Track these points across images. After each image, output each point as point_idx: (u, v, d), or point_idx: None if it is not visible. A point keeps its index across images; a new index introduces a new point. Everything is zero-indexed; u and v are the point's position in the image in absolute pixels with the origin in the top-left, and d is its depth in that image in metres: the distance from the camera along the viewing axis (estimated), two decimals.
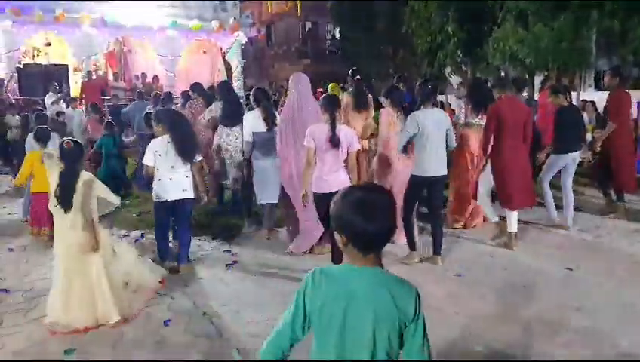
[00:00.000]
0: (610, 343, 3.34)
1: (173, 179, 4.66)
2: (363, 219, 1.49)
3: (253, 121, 5.66)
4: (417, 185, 4.80)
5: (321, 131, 4.21)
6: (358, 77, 6.02)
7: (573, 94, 8.81)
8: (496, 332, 3.54)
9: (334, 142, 4.16)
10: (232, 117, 6.12)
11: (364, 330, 1.53)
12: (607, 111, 6.00)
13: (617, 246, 5.20)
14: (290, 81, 5.25)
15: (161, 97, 9.00)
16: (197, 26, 17.21)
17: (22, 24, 14.75)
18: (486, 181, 5.27)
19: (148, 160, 4.66)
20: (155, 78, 15.34)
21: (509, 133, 5.02)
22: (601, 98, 10.59)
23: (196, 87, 7.69)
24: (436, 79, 15.12)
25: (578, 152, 5.62)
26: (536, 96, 13.89)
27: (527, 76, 14.31)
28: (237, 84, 17.20)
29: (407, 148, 4.82)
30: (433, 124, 4.67)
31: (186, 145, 4.67)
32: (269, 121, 5.60)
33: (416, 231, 5.03)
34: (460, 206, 5.86)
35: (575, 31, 12.03)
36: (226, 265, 4.95)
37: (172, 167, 4.62)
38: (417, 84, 5.16)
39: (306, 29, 28.47)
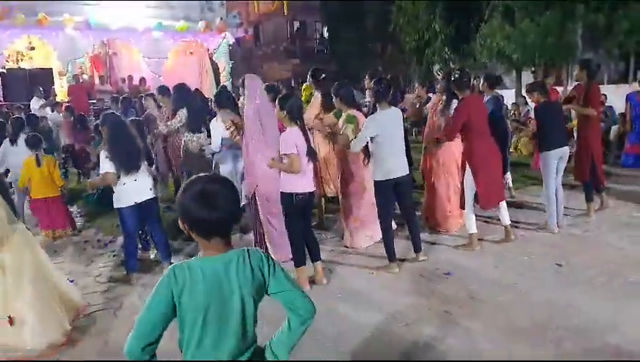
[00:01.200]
0: (601, 339, 3.31)
1: (138, 181, 4.60)
2: (200, 207, 1.62)
3: (221, 126, 5.41)
4: (384, 189, 4.63)
5: (300, 139, 4.13)
6: (323, 76, 5.91)
7: (560, 89, 8.77)
8: (485, 330, 3.50)
9: (312, 154, 4.21)
10: (195, 122, 6.02)
11: (233, 311, 1.67)
12: (585, 102, 5.87)
13: (606, 241, 5.18)
14: (249, 85, 4.84)
15: (120, 101, 8.97)
16: (183, 27, 17.08)
17: (4, 28, 14.56)
18: (469, 185, 5.04)
19: (107, 167, 4.51)
20: (142, 80, 15.19)
21: (479, 132, 4.97)
22: None
23: (163, 90, 7.40)
24: (425, 76, 15.11)
25: (566, 148, 5.49)
26: (523, 92, 13.99)
27: (514, 72, 14.38)
28: (226, 85, 17.11)
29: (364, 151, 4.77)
30: (391, 124, 4.58)
31: (128, 157, 4.54)
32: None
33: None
34: (437, 209, 5.75)
35: (561, 26, 12.08)
36: None
37: None
38: (373, 82, 4.93)
39: (294, 29, 28.36)
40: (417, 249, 4.84)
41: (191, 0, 17.85)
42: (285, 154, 4.12)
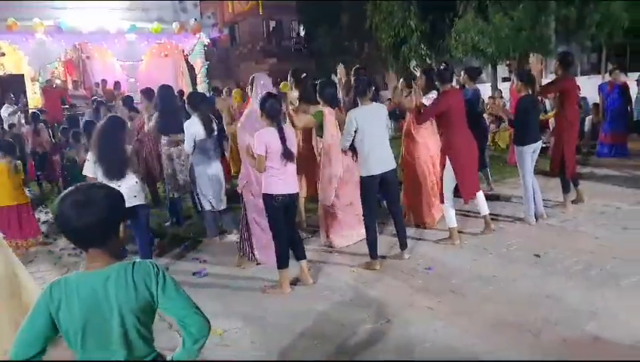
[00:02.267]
0: (579, 329, 3.35)
1: (122, 188, 4.41)
2: (68, 215, 1.59)
3: (193, 128, 5.39)
4: (368, 185, 4.62)
5: (274, 139, 4.09)
6: (304, 75, 5.90)
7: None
8: (468, 323, 3.51)
9: (287, 155, 4.11)
10: (168, 125, 5.97)
11: (113, 329, 1.60)
12: (558, 99, 5.91)
13: (583, 230, 5.25)
14: (258, 83, 4.80)
15: (94, 106, 8.85)
16: (157, 28, 16.83)
17: None
18: (449, 179, 5.08)
19: (88, 170, 4.46)
20: (117, 83, 14.96)
21: (457, 125, 5.02)
22: None
23: (146, 93, 7.24)
24: (403, 73, 15.16)
25: (539, 142, 5.53)
26: (499, 86, 14.15)
27: (489, 66, 14.51)
28: (202, 86, 16.96)
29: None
30: (372, 120, 4.56)
31: (111, 165, 4.47)
32: (208, 126, 5.47)
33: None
34: (416, 204, 5.76)
35: (534, 19, 12.23)
36: (194, 273, 4.82)
37: None
38: (354, 79, 4.96)
39: (270, 28, 28.28)
40: (403, 246, 4.83)
41: (164, 0, 17.63)
42: (256, 154, 4.11)
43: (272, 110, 4.12)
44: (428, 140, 5.62)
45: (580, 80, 10.82)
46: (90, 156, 4.53)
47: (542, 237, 5.14)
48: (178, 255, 5.47)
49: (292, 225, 4.39)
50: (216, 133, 5.64)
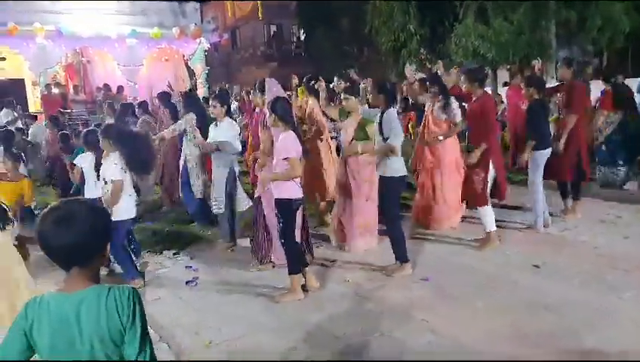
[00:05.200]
0: (577, 341, 3.29)
1: (133, 195, 4.59)
2: (48, 233, 1.52)
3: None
4: (400, 186, 4.69)
5: (296, 142, 4.09)
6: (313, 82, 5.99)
7: None
8: (464, 334, 3.45)
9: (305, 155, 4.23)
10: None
11: (81, 355, 1.53)
12: (568, 104, 5.73)
13: (582, 240, 5.18)
14: (270, 88, 4.64)
15: (108, 107, 8.91)
16: (157, 33, 16.85)
17: None
18: (487, 182, 5.11)
19: (119, 174, 4.46)
20: (120, 88, 14.92)
21: (495, 130, 5.32)
22: None
23: (163, 96, 7.45)
24: (401, 76, 15.14)
25: (550, 148, 5.44)
26: (499, 90, 14.08)
27: (489, 71, 14.47)
28: (202, 90, 16.94)
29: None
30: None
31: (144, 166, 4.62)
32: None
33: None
34: (429, 208, 5.71)
35: (534, 24, 12.20)
36: (186, 282, 4.76)
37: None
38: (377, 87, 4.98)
39: (271, 32, 28.29)
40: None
41: (165, 2, 17.66)
42: (286, 159, 4.00)
43: (287, 113, 4.09)
44: (445, 142, 5.60)
45: None
46: (113, 159, 4.49)
47: (541, 246, 5.07)
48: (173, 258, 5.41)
49: (307, 229, 4.39)
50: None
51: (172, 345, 3.59)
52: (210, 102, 5.81)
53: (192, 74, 17.35)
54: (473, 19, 12.80)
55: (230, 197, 5.47)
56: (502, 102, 11.77)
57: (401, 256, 4.59)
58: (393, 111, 4.61)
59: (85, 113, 14.38)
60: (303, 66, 21.47)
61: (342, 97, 5.34)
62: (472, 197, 5.16)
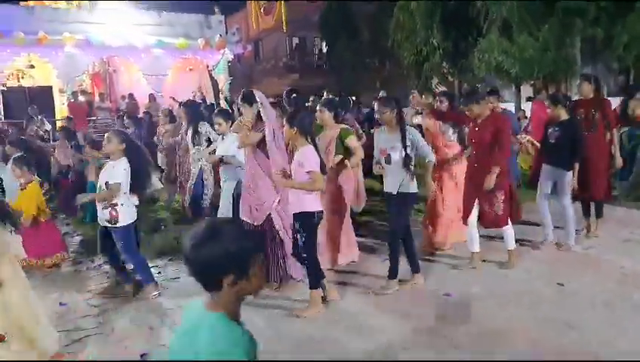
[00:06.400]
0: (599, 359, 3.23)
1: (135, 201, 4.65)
2: (189, 252, 1.47)
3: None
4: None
5: (317, 155, 4.06)
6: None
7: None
8: (488, 353, 3.41)
9: (324, 170, 4.12)
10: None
11: None
12: (603, 118, 5.54)
13: (607, 259, 5.09)
14: (259, 99, 4.57)
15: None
16: (183, 44, 17.18)
17: (4, 47, 14.64)
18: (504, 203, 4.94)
19: (124, 180, 4.47)
20: (151, 96, 15.19)
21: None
22: None
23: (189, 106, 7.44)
24: (423, 90, 15.11)
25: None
26: (523, 105, 13.98)
27: (513, 86, 14.38)
28: (223, 101, 17.15)
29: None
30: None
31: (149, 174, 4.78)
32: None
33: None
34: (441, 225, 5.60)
35: (560, 40, 12.08)
36: None
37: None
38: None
39: (294, 44, 28.53)
40: (416, 269, 4.73)
41: (191, 14, 18.03)
42: (309, 172, 3.97)
43: (307, 125, 4.08)
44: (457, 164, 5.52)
45: None
46: (123, 165, 4.49)
47: (565, 265, 4.99)
48: None
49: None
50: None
51: None
52: (214, 118, 5.77)
53: (215, 84, 17.62)
54: (497, 34, 12.72)
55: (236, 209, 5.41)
56: (525, 117, 11.70)
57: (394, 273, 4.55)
58: (414, 130, 4.61)
59: (110, 120, 14.68)
60: (325, 78, 21.61)
61: (317, 109, 5.13)
62: (493, 219, 4.95)
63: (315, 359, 3.46)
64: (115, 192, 4.41)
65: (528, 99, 15.28)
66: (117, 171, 4.45)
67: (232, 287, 1.46)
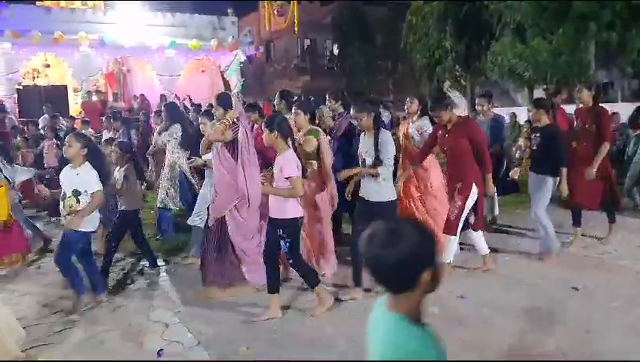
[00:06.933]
0: None
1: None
2: (372, 254, 1.41)
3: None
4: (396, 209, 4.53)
5: (297, 160, 3.99)
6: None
7: (573, 107, 8.69)
8: (502, 356, 3.42)
9: (304, 175, 4.10)
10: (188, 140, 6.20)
11: None
12: (598, 130, 5.30)
13: (622, 264, 5.07)
14: (235, 103, 4.50)
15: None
16: (196, 45, 17.30)
17: (21, 46, 14.84)
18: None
19: (97, 185, 4.31)
20: (162, 97, 15.22)
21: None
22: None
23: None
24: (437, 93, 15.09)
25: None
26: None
27: (526, 90, 14.34)
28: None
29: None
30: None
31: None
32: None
33: None
34: None
35: (573, 44, 12.04)
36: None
37: None
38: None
39: (305, 46, 28.63)
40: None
41: (204, 16, 18.17)
42: (288, 177, 3.88)
43: (287, 129, 4.00)
44: (430, 168, 5.34)
45: (622, 106, 10.56)
46: (94, 171, 4.36)
47: (581, 269, 4.97)
48: None
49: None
50: None
51: (209, 351, 3.66)
52: (200, 119, 5.56)
53: (227, 85, 17.72)
54: (510, 37, 12.71)
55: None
56: (528, 120, 11.66)
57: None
58: (387, 135, 4.34)
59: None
60: (335, 80, 21.66)
61: (292, 111, 4.96)
62: (445, 224, 4.78)
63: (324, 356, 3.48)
64: (100, 200, 4.33)
65: None
66: (89, 179, 4.28)
67: (426, 284, 1.43)
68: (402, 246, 1.37)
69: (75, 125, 11.88)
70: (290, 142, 4.03)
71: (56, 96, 14.77)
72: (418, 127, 5.31)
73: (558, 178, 5.05)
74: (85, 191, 4.25)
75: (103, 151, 5.17)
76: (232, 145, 4.47)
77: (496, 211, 6.57)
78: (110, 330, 4.08)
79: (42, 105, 13.10)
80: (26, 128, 11.50)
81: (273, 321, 4.05)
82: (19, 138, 10.07)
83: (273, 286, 4.11)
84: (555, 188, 5.12)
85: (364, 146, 4.37)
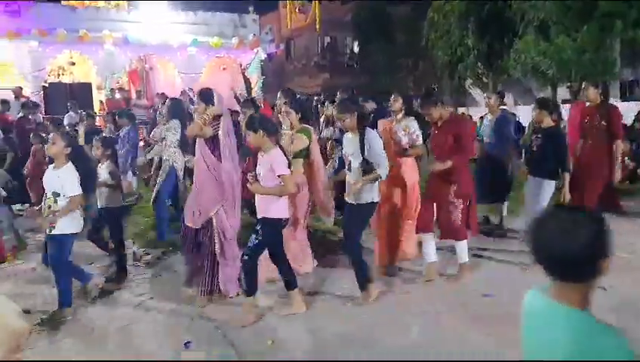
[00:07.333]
0: None
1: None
2: (547, 243, 1.42)
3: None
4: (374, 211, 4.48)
5: (285, 157, 3.93)
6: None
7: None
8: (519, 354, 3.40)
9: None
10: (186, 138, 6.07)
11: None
12: (609, 127, 5.25)
13: None
14: (217, 99, 4.36)
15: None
16: (217, 43, 17.43)
17: (47, 44, 15.13)
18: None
19: (78, 188, 4.20)
20: (183, 93, 15.34)
21: None
22: (627, 108, 10.36)
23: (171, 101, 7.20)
24: (457, 91, 15.02)
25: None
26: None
27: (549, 88, 14.15)
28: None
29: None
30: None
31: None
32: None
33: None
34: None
35: (599, 41, 11.85)
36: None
37: None
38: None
39: (325, 44, 28.65)
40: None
41: (225, 14, 18.30)
42: (280, 176, 3.80)
43: (271, 127, 3.93)
44: (407, 169, 5.12)
45: None
46: (75, 173, 4.26)
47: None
48: None
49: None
50: None
51: (236, 344, 3.71)
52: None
53: (248, 83, 17.83)
54: (534, 34, 12.55)
55: None
56: (561, 118, 11.50)
57: (364, 281, 4.29)
58: (374, 135, 4.25)
59: (145, 117, 14.99)
60: (355, 78, 21.64)
61: (283, 111, 4.89)
62: (450, 231, 4.62)
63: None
64: (78, 204, 4.22)
65: (564, 101, 15.02)
66: (69, 182, 4.18)
67: (603, 272, 1.42)
68: (586, 235, 1.37)
69: (96, 123, 12.08)
70: (275, 141, 3.95)
71: (82, 93, 15.06)
72: (405, 127, 5.03)
73: (560, 182, 4.90)
74: (64, 194, 4.17)
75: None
76: (211, 142, 4.32)
77: (504, 212, 6.31)
78: (133, 323, 4.17)
79: (67, 102, 13.35)
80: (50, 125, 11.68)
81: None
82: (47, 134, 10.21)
83: (291, 282, 4.09)
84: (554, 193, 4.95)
85: (349, 148, 4.25)
